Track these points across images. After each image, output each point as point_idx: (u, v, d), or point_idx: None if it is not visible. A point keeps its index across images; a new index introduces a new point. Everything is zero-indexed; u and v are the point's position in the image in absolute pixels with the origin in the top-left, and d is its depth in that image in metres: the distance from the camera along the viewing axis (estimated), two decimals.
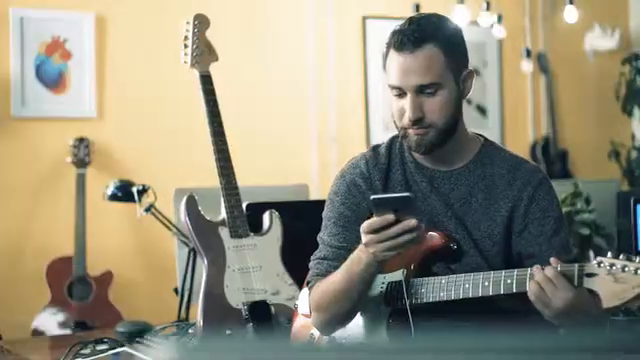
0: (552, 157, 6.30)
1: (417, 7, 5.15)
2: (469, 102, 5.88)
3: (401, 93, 2.13)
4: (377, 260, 2.05)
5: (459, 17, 5.15)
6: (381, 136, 5.77)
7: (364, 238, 2.03)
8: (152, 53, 5.10)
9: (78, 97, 4.95)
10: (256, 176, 4.79)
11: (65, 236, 4.70)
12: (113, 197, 3.57)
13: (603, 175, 6.09)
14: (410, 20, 2.16)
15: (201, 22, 3.13)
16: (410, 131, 2.15)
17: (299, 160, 5.53)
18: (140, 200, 3.43)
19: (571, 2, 5.37)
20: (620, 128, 6.51)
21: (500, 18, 5.58)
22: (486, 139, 2.30)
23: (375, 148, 2.32)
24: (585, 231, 3.83)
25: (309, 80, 5.57)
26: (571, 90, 6.47)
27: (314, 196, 4.78)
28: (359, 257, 2.08)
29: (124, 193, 3.54)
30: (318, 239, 2.32)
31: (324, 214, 2.32)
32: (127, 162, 5.02)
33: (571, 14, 5.44)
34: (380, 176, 2.26)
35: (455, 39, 2.18)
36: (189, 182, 4.08)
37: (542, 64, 6.28)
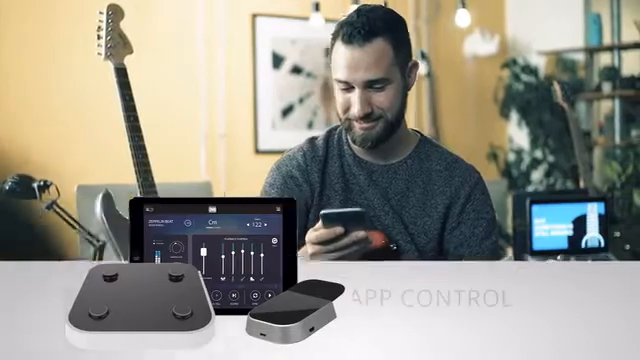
0: None
1: (317, 6, 5.15)
2: None
3: (348, 87, 2.10)
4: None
5: None
6: (268, 134, 5.75)
7: (310, 249, 1.97)
8: (46, 42, 4.91)
9: None
10: None
11: None
12: (11, 193, 3.38)
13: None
14: (358, 12, 2.12)
15: (115, 12, 3.00)
16: (356, 124, 2.13)
17: (187, 157, 5.45)
18: (41, 197, 3.28)
19: (463, 6, 5.48)
20: (498, 131, 6.71)
21: None
22: (423, 135, 2.30)
23: (312, 140, 2.28)
24: None
25: (199, 77, 5.48)
26: (452, 93, 6.62)
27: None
28: None
29: (24, 189, 3.36)
30: None
31: None
32: (13, 157, 4.80)
33: (462, 18, 5.55)
34: (317, 168, 2.22)
35: (402, 32, 2.16)
36: (87, 179, 3.94)
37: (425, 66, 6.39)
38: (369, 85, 2.09)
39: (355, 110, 2.09)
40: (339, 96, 2.13)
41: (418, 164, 2.23)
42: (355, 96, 2.09)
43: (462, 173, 2.22)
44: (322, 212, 1.96)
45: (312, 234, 1.96)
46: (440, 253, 2.20)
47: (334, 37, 2.13)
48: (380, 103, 2.10)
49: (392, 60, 2.10)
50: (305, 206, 2.20)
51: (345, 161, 2.23)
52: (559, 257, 1.95)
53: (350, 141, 2.20)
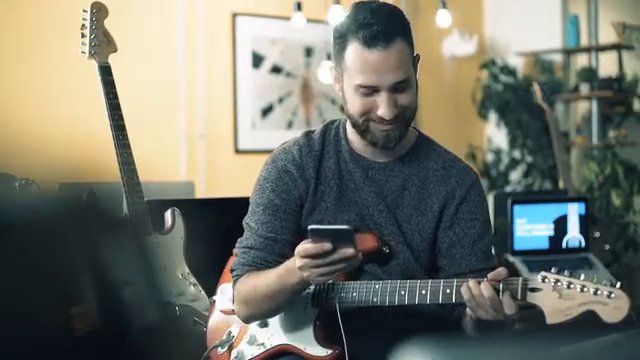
0: None
1: (299, 5, 5.13)
2: (333, 102, 5.90)
3: (371, 91, 2.04)
4: (311, 282, 2.03)
5: (335, 17, 5.15)
6: (248, 134, 5.72)
7: (298, 262, 1.96)
8: (25, 38, 4.86)
9: None
10: None
11: None
12: None
13: None
14: (370, 12, 2.04)
15: (99, 10, 2.98)
16: (378, 126, 2.07)
17: (167, 156, 5.41)
18: None
19: (444, 6, 5.48)
20: (476, 131, 6.73)
21: None
22: (421, 133, 2.26)
23: (308, 134, 2.23)
24: None
25: (178, 76, 5.45)
26: (430, 93, 6.62)
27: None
28: (294, 270, 2.01)
29: (4, 188, 3.33)
30: (244, 224, 2.22)
31: (252, 199, 2.22)
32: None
33: (443, 18, 5.55)
34: (313, 164, 2.18)
35: (410, 29, 2.12)
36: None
37: None
38: (395, 88, 2.04)
39: (384, 113, 2.04)
40: (357, 100, 2.06)
41: (415, 162, 2.19)
42: (382, 99, 2.03)
43: (459, 173, 2.19)
44: (310, 227, 1.96)
45: (301, 247, 1.96)
46: (433, 253, 2.18)
47: (345, 39, 2.05)
48: (404, 103, 2.06)
49: (410, 58, 2.07)
50: (300, 201, 2.17)
51: (341, 157, 2.19)
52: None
53: (367, 142, 2.14)
